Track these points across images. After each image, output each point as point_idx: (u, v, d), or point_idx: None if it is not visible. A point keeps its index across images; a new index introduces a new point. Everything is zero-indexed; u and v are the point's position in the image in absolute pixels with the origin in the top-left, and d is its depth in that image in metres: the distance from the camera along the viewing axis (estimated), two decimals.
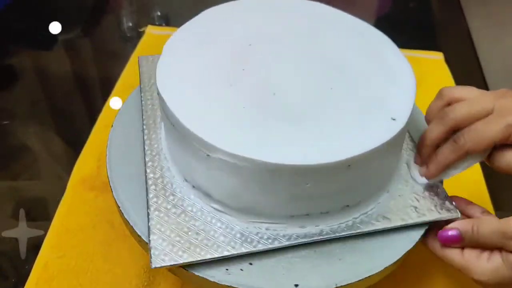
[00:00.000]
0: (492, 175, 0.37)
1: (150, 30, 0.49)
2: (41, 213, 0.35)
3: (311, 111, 0.24)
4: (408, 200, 0.26)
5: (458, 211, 0.25)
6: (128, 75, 0.44)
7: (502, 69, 0.48)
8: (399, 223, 0.25)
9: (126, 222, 0.24)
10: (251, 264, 0.23)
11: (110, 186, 0.26)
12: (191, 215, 0.24)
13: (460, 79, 0.45)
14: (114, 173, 0.26)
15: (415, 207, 0.25)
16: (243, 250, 0.23)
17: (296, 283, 0.23)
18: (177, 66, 0.25)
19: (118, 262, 0.31)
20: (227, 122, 0.23)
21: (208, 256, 0.22)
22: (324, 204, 0.24)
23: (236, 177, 0.22)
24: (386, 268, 0.24)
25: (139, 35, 0.50)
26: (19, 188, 0.38)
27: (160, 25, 0.54)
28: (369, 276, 0.23)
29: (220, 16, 0.29)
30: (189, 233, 0.23)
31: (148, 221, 0.24)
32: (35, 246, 0.32)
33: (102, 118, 0.40)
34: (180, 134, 0.23)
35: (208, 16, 0.29)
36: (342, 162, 0.22)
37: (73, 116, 0.45)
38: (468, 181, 0.36)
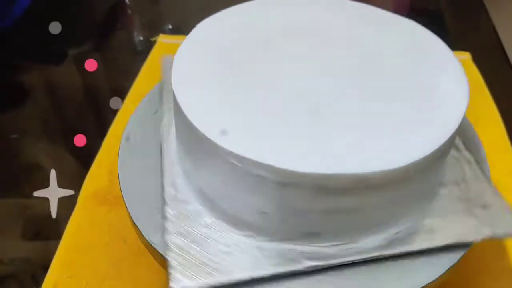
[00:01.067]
0: None
1: (162, 39, 0.49)
2: (52, 231, 0.34)
3: (364, 116, 0.21)
4: None
5: None
6: (138, 85, 0.43)
7: None
8: None
9: (142, 238, 0.23)
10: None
11: (123, 199, 0.24)
12: None
13: (489, 78, 0.44)
14: (127, 186, 0.25)
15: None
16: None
17: None
18: (198, 78, 0.23)
19: (131, 281, 0.29)
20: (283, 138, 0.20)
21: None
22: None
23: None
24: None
25: (150, 48, 0.49)
26: (29, 206, 0.36)
27: None
28: None
29: (239, 14, 0.27)
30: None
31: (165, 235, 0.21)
32: (44, 266, 0.30)
33: (112, 130, 0.38)
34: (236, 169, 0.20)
35: (227, 14, 0.27)
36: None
37: (84, 132, 0.44)
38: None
